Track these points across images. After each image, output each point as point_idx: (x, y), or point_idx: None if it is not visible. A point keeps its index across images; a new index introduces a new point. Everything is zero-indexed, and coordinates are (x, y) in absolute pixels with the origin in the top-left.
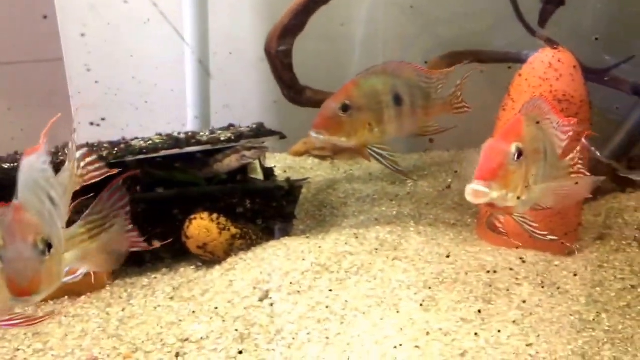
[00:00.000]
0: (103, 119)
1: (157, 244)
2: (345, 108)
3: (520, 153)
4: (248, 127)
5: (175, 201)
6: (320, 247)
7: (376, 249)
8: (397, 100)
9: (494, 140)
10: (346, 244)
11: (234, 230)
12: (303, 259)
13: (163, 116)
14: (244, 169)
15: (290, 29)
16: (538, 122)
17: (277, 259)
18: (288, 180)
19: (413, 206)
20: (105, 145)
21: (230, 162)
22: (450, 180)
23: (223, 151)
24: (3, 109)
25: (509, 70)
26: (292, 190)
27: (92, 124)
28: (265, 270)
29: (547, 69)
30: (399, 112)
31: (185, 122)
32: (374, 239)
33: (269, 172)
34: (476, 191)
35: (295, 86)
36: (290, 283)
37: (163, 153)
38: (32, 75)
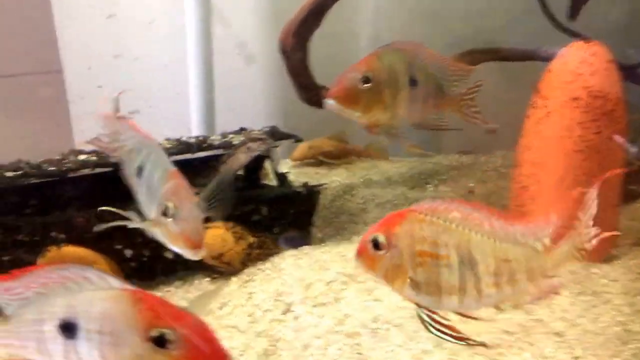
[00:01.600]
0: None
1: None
2: (366, 80)
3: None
4: (260, 130)
5: None
6: (344, 256)
7: None
8: (413, 82)
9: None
10: None
11: (250, 239)
12: (327, 269)
13: (168, 120)
14: (256, 174)
15: (305, 25)
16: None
17: (299, 269)
18: (305, 185)
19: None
20: None
21: (238, 159)
22: (472, 184)
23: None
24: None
25: (531, 67)
26: (310, 196)
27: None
28: (286, 281)
29: (580, 64)
30: (413, 95)
31: (190, 126)
32: None
33: (282, 178)
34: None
35: (311, 86)
36: (315, 295)
37: (174, 158)
38: (29, 86)
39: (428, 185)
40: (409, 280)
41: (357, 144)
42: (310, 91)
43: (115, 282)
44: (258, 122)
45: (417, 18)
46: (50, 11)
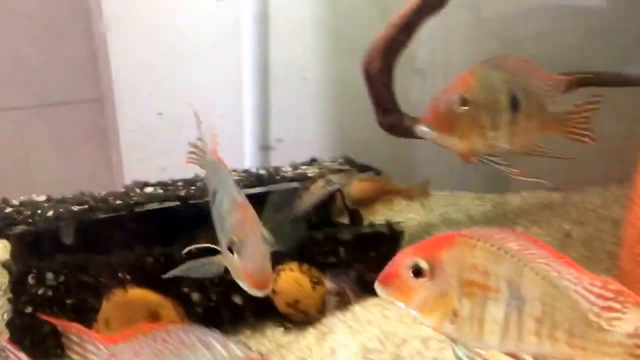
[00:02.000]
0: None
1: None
2: (463, 102)
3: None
4: (334, 161)
5: None
6: None
7: None
8: (514, 103)
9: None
10: None
11: (328, 284)
12: (420, 323)
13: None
14: (327, 210)
15: (393, 44)
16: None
17: (387, 322)
18: (388, 223)
19: None
20: (179, 184)
21: (317, 190)
22: (567, 226)
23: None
24: (47, 149)
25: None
26: (393, 236)
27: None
28: (374, 336)
29: None
30: (513, 118)
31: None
32: None
33: (355, 215)
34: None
35: (395, 112)
36: (411, 354)
37: (246, 191)
38: (72, 115)
39: (517, 226)
40: (452, 313)
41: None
42: (393, 118)
43: (239, 350)
44: (311, 152)
45: (484, 38)
46: (105, 38)
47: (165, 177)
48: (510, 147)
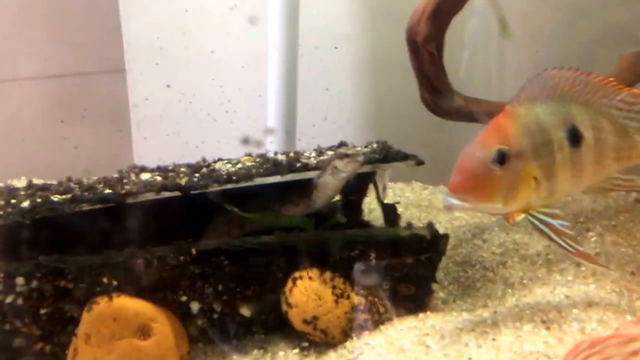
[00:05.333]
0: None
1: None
2: (501, 158)
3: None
4: (367, 145)
5: (273, 251)
6: (494, 339)
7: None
8: (574, 137)
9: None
10: (535, 338)
11: (355, 298)
12: (469, 358)
13: (247, 130)
14: (356, 206)
15: (443, 9)
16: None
17: (428, 353)
18: (430, 226)
19: (614, 275)
20: (182, 168)
21: (326, 182)
22: None
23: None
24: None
25: None
26: (435, 241)
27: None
28: None
29: None
30: (577, 156)
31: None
32: (578, 332)
33: (391, 212)
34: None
35: (444, 89)
36: None
37: (258, 182)
38: (91, 87)
39: (590, 233)
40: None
41: None
42: (441, 95)
43: None
44: (348, 136)
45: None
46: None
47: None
48: (578, 189)
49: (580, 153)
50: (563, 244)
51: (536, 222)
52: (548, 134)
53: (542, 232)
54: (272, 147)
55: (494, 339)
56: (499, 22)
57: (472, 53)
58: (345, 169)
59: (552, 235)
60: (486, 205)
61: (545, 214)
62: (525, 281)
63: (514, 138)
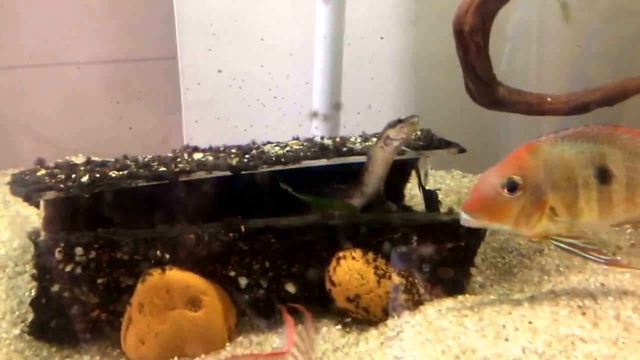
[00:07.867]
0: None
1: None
2: (511, 187)
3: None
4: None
5: (318, 231)
6: (530, 322)
7: (622, 339)
8: (603, 175)
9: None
10: (571, 322)
11: (396, 279)
12: (506, 339)
13: (294, 116)
14: (399, 191)
15: (491, 1)
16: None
17: (466, 333)
18: None
19: None
20: (233, 150)
21: (376, 155)
22: None
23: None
24: (114, 102)
25: None
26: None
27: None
28: (449, 349)
29: None
30: (606, 193)
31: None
32: (613, 319)
33: (432, 198)
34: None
35: (489, 80)
36: None
37: (307, 164)
38: (146, 71)
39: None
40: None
41: None
42: (486, 86)
43: None
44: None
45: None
46: None
47: None
48: (605, 225)
49: (609, 190)
50: (592, 257)
51: (560, 244)
52: (571, 169)
53: (567, 250)
54: (318, 132)
55: (530, 322)
56: (561, 7)
57: (514, 46)
58: (398, 136)
59: (578, 252)
60: (496, 225)
61: (568, 236)
62: (561, 269)
63: (530, 170)
